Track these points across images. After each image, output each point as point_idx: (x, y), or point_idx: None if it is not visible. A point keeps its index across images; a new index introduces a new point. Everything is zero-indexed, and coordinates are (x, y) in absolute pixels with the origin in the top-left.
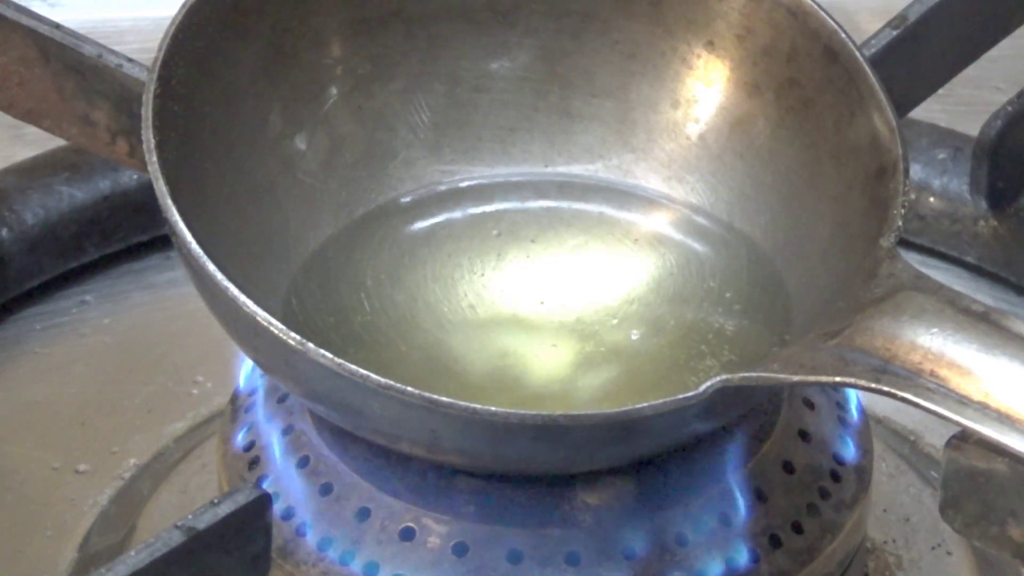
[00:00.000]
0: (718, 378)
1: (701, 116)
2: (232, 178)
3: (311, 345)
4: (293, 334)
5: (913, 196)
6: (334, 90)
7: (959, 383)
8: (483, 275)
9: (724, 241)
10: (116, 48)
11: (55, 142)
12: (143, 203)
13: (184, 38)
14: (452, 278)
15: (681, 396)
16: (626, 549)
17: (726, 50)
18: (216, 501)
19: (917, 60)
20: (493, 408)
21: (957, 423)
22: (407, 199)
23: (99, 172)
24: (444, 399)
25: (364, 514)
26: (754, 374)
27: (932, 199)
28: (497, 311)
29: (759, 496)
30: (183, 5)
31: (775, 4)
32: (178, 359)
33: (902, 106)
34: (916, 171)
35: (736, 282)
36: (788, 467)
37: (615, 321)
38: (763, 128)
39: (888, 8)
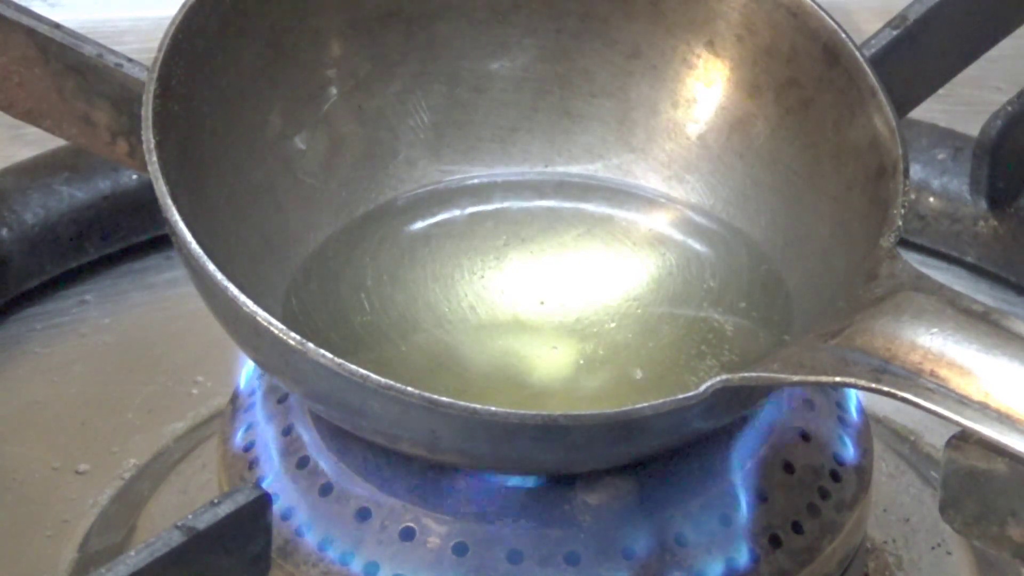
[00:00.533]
0: (718, 378)
1: (701, 116)
2: (232, 178)
3: (311, 345)
4: (293, 334)
5: (913, 196)
6: (334, 90)
7: (959, 383)
8: (483, 275)
9: (724, 241)
10: (116, 48)
11: (55, 142)
12: (143, 203)
13: (184, 38)
14: (452, 278)
15: (681, 396)
16: (626, 549)
17: (726, 50)
18: (216, 501)
19: (917, 60)
20: (493, 408)
21: (957, 423)
22: (407, 199)
23: (99, 172)
24: (444, 399)
25: (364, 514)
26: (754, 374)
27: (932, 199)
28: (497, 311)
29: (759, 496)
30: (183, 5)
31: (775, 4)
32: (178, 359)
33: (902, 106)
34: (916, 171)
35: (736, 282)
36: (788, 467)
37: (615, 321)
38: (763, 128)
39: (888, 8)
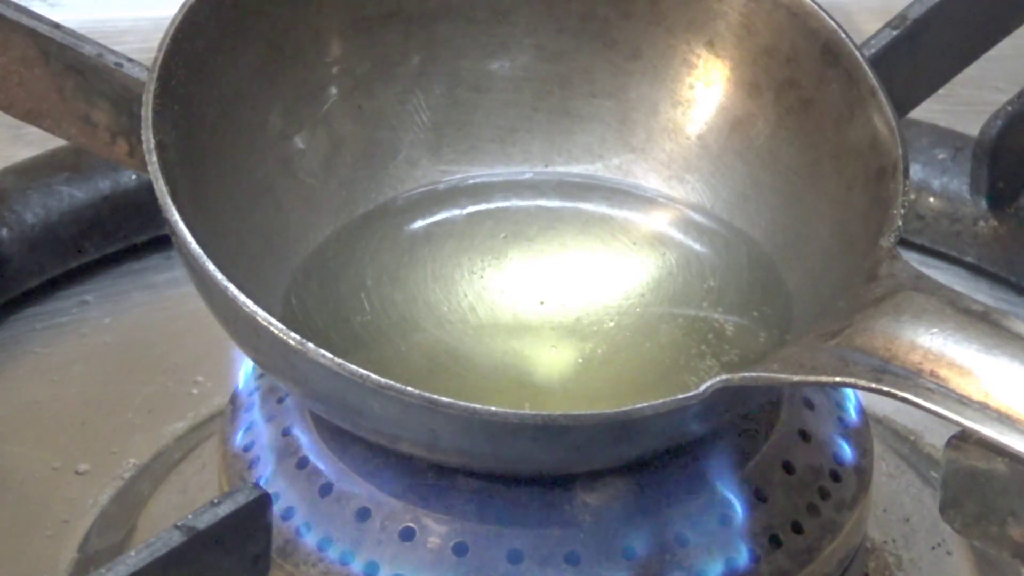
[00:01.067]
0: (718, 378)
1: (701, 116)
2: (232, 178)
3: (311, 345)
4: (293, 334)
5: (913, 196)
6: (334, 90)
7: (959, 383)
8: (483, 275)
9: (724, 241)
10: (116, 48)
11: (55, 142)
12: (143, 203)
13: (184, 38)
14: (452, 278)
15: (681, 396)
16: (626, 549)
17: (726, 50)
18: (216, 501)
19: (917, 60)
20: (493, 408)
21: (957, 423)
22: (407, 199)
23: (99, 172)
24: (444, 399)
25: (364, 514)
26: (754, 374)
27: (932, 199)
28: (497, 311)
29: (759, 496)
30: (183, 5)
31: (775, 4)
32: (178, 359)
33: (902, 106)
34: (916, 171)
35: (736, 282)
36: (788, 467)
37: (615, 321)
38: (763, 128)
39: (888, 8)
